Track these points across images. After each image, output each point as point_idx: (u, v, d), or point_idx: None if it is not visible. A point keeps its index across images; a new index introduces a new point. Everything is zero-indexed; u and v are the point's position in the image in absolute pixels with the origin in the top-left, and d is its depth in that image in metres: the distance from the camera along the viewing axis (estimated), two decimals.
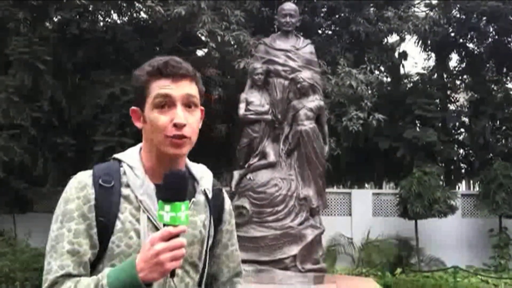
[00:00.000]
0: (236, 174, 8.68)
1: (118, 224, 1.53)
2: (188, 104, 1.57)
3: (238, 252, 1.86)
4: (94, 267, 1.53)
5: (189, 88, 1.58)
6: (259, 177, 8.45)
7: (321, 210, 8.86)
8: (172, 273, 1.42)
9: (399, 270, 13.66)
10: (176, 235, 1.38)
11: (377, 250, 14.55)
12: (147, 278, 1.38)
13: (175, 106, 1.55)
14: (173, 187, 1.42)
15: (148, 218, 1.54)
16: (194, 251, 1.63)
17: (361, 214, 15.97)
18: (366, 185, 21.14)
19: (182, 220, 1.40)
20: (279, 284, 7.78)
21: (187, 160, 1.70)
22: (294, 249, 8.06)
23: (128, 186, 1.58)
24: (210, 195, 1.69)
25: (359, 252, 15.05)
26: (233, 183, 8.66)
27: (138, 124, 1.64)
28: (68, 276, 1.48)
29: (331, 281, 8.60)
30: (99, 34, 13.79)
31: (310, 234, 8.25)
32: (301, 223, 8.30)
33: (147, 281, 1.39)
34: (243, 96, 8.72)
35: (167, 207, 1.39)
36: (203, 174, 1.72)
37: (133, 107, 1.64)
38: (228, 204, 1.81)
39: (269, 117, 8.68)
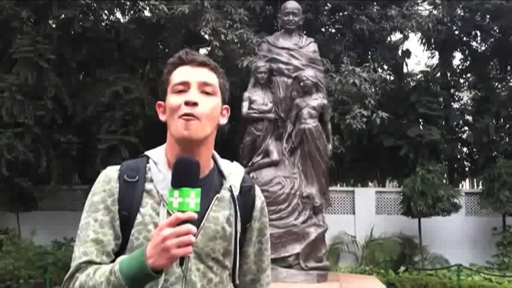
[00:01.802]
0: None
1: (138, 218, 1.57)
2: (204, 90, 1.60)
3: (269, 252, 1.85)
4: (118, 257, 1.55)
5: (206, 76, 1.62)
6: (263, 176, 8.46)
7: (324, 208, 8.86)
8: (181, 262, 1.43)
9: (402, 268, 13.65)
10: (185, 222, 1.37)
11: (381, 248, 14.54)
12: (156, 264, 1.38)
13: (190, 90, 1.59)
14: (180, 172, 1.43)
15: (168, 212, 1.54)
16: (217, 246, 1.62)
17: (365, 212, 15.97)
18: (370, 183, 21.12)
19: (191, 206, 1.39)
20: (283, 282, 7.79)
21: (218, 157, 1.73)
22: (298, 247, 8.07)
23: (151, 181, 1.62)
24: (236, 192, 1.67)
25: (363, 250, 15.05)
26: None
27: (162, 117, 1.68)
28: (90, 263, 1.53)
29: (334, 279, 8.61)
30: (102, 32, 13.82)
31: (313, 232, 8.25)
32: (304, 221, 8.31)
33: (156, 268, 1.39)
34: (246, 94, 8.73)
35: (176, 193, 1.40)
36: (231, 171, 1.72)
37: (159, 102, 1.69)
38: (259, 201, 1.78)
39: (272, 115, 8.68)
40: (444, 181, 15.72)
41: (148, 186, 1.61)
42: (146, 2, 12.40)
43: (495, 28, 16.62)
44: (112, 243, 1.57)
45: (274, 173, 8.50)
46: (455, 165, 18.08)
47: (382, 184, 20.49)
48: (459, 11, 16.74)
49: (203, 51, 14.79)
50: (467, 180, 22.36)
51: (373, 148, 16.32)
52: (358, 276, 11.23)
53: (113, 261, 1.53)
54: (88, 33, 13.28)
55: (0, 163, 12.43)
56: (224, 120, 1.69)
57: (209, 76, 1.63)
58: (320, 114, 8.64)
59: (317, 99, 8.59)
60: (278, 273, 7.85)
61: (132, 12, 15.00)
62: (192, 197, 1.40)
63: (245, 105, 8.63)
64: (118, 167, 1.66)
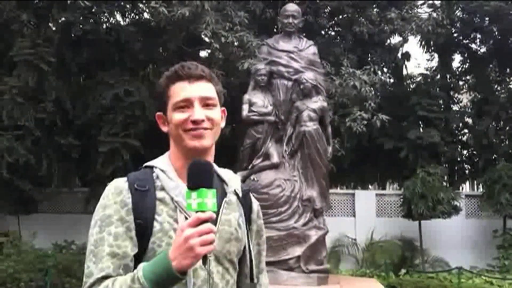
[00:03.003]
0: (240, 175, 8.68)
1: (156, 226, 1.59)
2: (206, 103, 1.65)
3: (265, 253, 1.90)
4: (135, 268, 1.55)
5: (206, 89, 1.67)
6: (263, 178, 8.46)
7: (324, 211, 8.87)
8: (204, 261, 1.45)
9: (403, 271, 13.65)
10: (205, 221, 1.41)
11: (381, 251, 14.54)
12: (180, 265, 1.41)
13: (193, 106, 1.63)
14: (197, 173, 1.46)
15: (186, 218, 1.56)
16: (232, 248, 1.67)
17: (365, 215, 15.97)
18: (370, 186, 21.12)
19: (209, 206, 1.42)
20: (283, 284, 7.78)
21: (215, 166, 1.75)
22: (298, 250, 8.07)
23: (162, 189, 1.64)
24: (240, 194, 1.75)
25: (363, 253, 15.04)
26: None
27: (164, 128, 1.72)
28: (107, 278, 1.52)
29: (335, 282, 8.60)
30: (103, 35, 13.83)
31: (314, 235, 8.25)
32: (305, 224, 8.31)
33: (181, 269, 1.41)
34: (246, 97, 8.74)
35: (194, 194, 1.43)
36: (230, 176, 1.78)
37: (158, 113, 1.72)
38: (256, 205, 1.85)
39: (272, 118, 8.69)
40: (444, 183, 15.72)
41: (159, 194, 1.63)
42: (146, 5, 12.42)
43: (494, 30, 16.64)
44: (129, 254, 1.56)
45: (275, 175, 8.50)
46: (455, 168, 18.09)
47: (383, 187, 20.49)
48: (458, 14, 16.78)
49: (203, 53, 14.83)
50: (467, 183, 22.35)
51: (373, 150, 16.33)
52: (359, 279, 11.22)
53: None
54: (88, 36, 13.30)
55: (0, 166, 12.44)
56: (223, 123, 1.74)
57: (209, 89, 1.68)
58: (320, 116, 8.64)
59: (317, 102, 8.60)
60: (278, 276, 7.85)
61: (132, 14, 15.03)
62: (210, 197, 1.43)
63: (245, 107, 8.64)
64: (125, 178, 1.66)
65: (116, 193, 1.62)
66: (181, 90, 1.65)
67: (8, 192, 13.72)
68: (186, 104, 1.64)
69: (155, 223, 1.59)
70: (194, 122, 1.61)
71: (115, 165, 13.14)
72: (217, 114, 1.68)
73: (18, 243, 14.29)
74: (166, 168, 1.67)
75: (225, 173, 1.78)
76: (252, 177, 8.53)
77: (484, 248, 15.06)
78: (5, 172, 12.45)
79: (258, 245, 1.85)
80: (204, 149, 1.65)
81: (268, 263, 8.43)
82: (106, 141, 12.92)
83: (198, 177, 1.45)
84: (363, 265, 14.73)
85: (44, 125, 13.21)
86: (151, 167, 1.70)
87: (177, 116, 1.64)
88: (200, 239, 1.39)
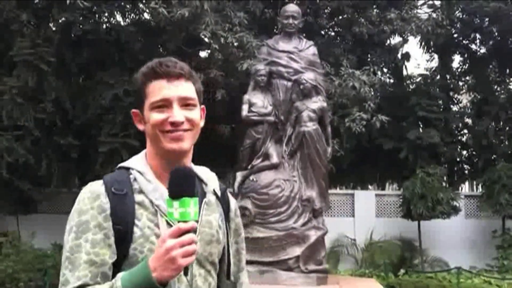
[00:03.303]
0: (239, 175, 8.70)
1: (136, 231, 1.53)
2: (185, 104, 1.59)
3: (244, 251, 1.87)
4: (114, 276, 1.49)
5: (185, 89, 1.59)
6: (262, 178, 8.47)
7: (324, 211, 8.86)
8: (185, 271, 1.41)
9: (402, 271, 13.67)
10: (187, 231, 1.38)
11: (380, 251, 14.55)
12: (161, 277, 1.37)
13: (172, 107, 1.56)
14: (179, 182, 1.42)
15: (167, 222, 1.53)
16: (213, 250, 1.64)
17: (364, 215, 15.97)
18: (369, 186, 21.13)
19: (192, 216, 1.40)
20: (283, 285, 7.79)
21: (192, 164, 1.70)
22: (297, 250, 8.07)
23: (141, 192, 1.57)
24: (219, 194, 1.71)
25: (362, 253, 15.05)
26: (236, 184, 8.67)
27: (140, 126, 1.66)
28: (84, 286, 1.46)
29: (334, 282, 8.61)
30: (102, 35, 13.83)
31: (313, 235, 8.26)
32: (304, 224, 8.31)
33: (162, 280, 1.37)
34: (246, 97, 8.74)
35: (176, 203, 1.40)
36: (208, 176, 1.73)
37: (134, 110, 1.66)
38: (233, 203, 1.82)
39: (272, 118, 8.69)
40: (444, 184, 15.73)
41: (138, 197, 1.56)
42: (146, 5, 12.42)
43: (494, 31, 16.66)
44: (107, 262, 1.49)
45: (274, 176, 8.50)
46: (455, 168, 18.10)
47: (382, 187, 20.51)
48: (458, 14, 16.79)
49: (203, 54, 14.84)
50: (467, 183, 22.39)
51: (373, 151, 16.33)
52: (358, 279, 11.22)
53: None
54: (88, 36, 13.30)
55: (0, 166, 12.44)
56: (203, 122, 1.67)
57: (188, 89, 1.60)
58: (319, 117, 8.65)
59: (317, 102, 8.60)
60: (278, 276, 7.87)
61: (132, 15, 15.03)
62: (192, 206, 1.40)
63: (245, 108, 8.65)
64: (100, 181, 1.59)
65: (93, 197, 1.55)
66: (159, 89, 1.57)
67: (8, 192, 13.73)
68: (165, 104, 1.56)
69: (136, 229, 1.52)
70: (173, 123, 1.55)
71: (114, 165, 13.11)
72: (197, 114, 1.62)
73: (17, 243, 14.30)
74: (143, 170, 1.61)
75: (203, 172, 1.73)
76: (251, 178, 8.54)
77: (483, 248, 15.08)
78: (5, 172, 12.45)
79: (236, 243, 1.82)
80: (183, 152, 1.59)
81: (267, 263, 8.45)
82: (105, 141, 12.92)
83: (181, 185, 1.41)
84: (362, 265, 14.74)
85: (43, 125, 13.21)
86: (128, 168, 1.64)
87: (155, 117, 1.56)
88: (182, 250, 1.35)
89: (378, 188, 20.40)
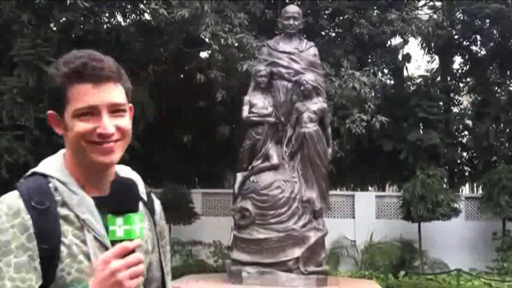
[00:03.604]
0: (240, 176, 8.69)
1: (63, 250, 1.35)
2: (115, 110, 1.39)
3: (169, 255, 1.71)
4: None
5: (114, 94, 1.39)
6: (262, 179, 8.46)
7: (324, 213, 8.86)
8: None
9: (402, 272, 13.63)
10: (132, 251, 1.25)
11: (380, 253, 14.52)
12: None
13: (100, 115, 1.37)
14: (122, 197, 1.28)
15: (95, 237, 1.37)
16: (146, 260, 1.50)
17: (364, 217, 15.95)
18: (369, 187, 21.13)
19: (137, 233, 1.27)
20: (282, 286, 7.79)
21: (116, 167, 1.53)
22: (297, 252, 8.07)
23: (64, 204, 1.38)
24: (145, 199, 1.55)
25: (362, 255, 15.03)
26: (236, 185, 8.67)
27: (59, 130, 1.43)
28: None
29: (334, 284, 8.60)
30: (103, 35, 13.84)
31: (313, 237, 8.25)
32: (304, 226, 8.30)
33: None
34: (246, 98, 8.74)
35: (119, 220, 1.26)
36: (134, 178, 1.52)
37: (49, 111, 1.44)
38: (158, 205, 1.63)
39: (272, 119, 8.69)
40: (444, 185, 15.71)
41: (62, 211, 1.37)
42: (147, 6, 12.42)
43: (494, 32, 16.66)
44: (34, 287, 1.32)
45: (274, 177, 8.49)
46: (455, 170, 18.09)
47: (382, 188, 20.50)
48: (459, 16, 16.80)
49: (203, 54, 14.83)
50: (467, 185, 22.37)
51: (373, 152, 16.32)
52: (358, 281, 11.21)
53: None
54: (89, 36, 13.31)
55: (0, 166, 12.43)
56: (130, 123, 1.49)
57: (118, 93, 1.40)
58: (320, 118, 8.64)
59: (317, 103, 8.59)
60: (277, 277, 7.86)
61: (133, 15, 15.03)
62: (137, 222, 1.28)
63: (245, 109, 8.64)
64: (17, 193, 1.38)
65: (12, 214, 1.34)
66: (84, 95, 1.36)
67: (7, 193, 13.71)
68: (91, 111, 1.36)
69: (62, 247, 1.35)
70: (102, 135, 1.36)
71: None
72: (128, 122, 1.43)
73: None
74: (66, 180, 1.40)
75: (128, 174, 1.54)
76: (251, 178, 8.53)
77: (483, 250, 15.05)
78: (5, 172, 12.45)
79: (161, 246, 1.64)
80: (113, 165, 1.43)
81: (267, 265, 8.43)
82: None
83: (124, 201, 1.27)
84: (362, 267, 14.71)
85: (44, 125, 13.20)
86: (45, 175, 1.42)
87: (81, 126, 1.36)
88: (129, 272, 1.23)
89: (378, 190, 20.39)
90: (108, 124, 1.36)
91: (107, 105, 1.37)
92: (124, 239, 1.26)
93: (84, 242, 1.37)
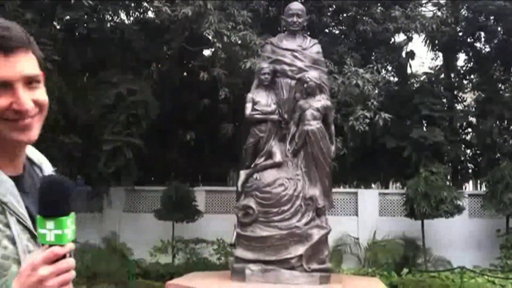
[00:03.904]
0: (243, 173, 8.70)
1: None
2: (30, 82, 1.29)
3: None
4: None
5: (27, 64, 1.27)
6: (266, 177, 8.46)
7: (327, 210, 8.85)
8: None
9: (405, 270, 13.64)
10: (63, 256, 1.15)
11: (384, 250, 14.53)
12: None
13: (14, 89, 1.25)
14: (54, 199, 1.16)
15: (17, 220, 1.26)
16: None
17: (368, 214, 15.95)
18: (373, 185, 21.11)
19: (69, 237, 1.16)
20: (285, 283, 7.79)
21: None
22: (300, 249, 8.06)
23: None
24: None
25: (365, 252, 15.04)
26: (240, 182, 8.68)
27: None
28: None
29: (337, 281, 8.60)
30: (107, 34, 13.86)
31: (316, 234, 8.24)
32: (307, 223, 8.30)
33: None
34: (249, 96, 8.73)
35: (50, 223, 1.15)
36: (40, 158, 1.44)
37: None
38: None
39: (275, 117, 8.68)
40: (448, 183, 15.70)
41: None
42: (150, 4, 12.44)
43: (499, 29, 16.61)
44: None
45: (277, 174, 8.49)
46: (459, 167, 18.06)
47: (385, 186, 20.48)
48: (463, 13, 16.74)
49: (206, 52, 14.84)
50: (471, 182, 22.34)
51: (376, 149, 16.31)
52: (361, 278, 11.21)
53: None
54: (92, 35, 13.33)
55: None
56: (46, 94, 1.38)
57: (31, 63, 1.29)
58: (323, 115, 8.63)
59: (321, 101, 8.58)
60: (280, 274, 7.86)
61: (136, 13, 15.05)
62: (69, 225, 1.17)
63: (248, 106, 8.64)
64: None
65: None
66: None
67: None
68: (3, 85, 1.24)
69: None
70: (19, 112, 1.25)
71: (117, 164, 13.17)
72: (44, 93, 1.31)
73: None
74: None
75: (34, 154, 1.44)
76: (254, 176, 8.54)
77: (487, 247, 15.03)
78: None
79: None
80: (31, 142, 1.32)
81: (270, 262, 8.43)
82: (109, 139, 12.96)
83: (56, 203, 1.15)
84: (365, 264, 14.73)
85: (47, 123, 13.23)
86: None
87: None
88: (58, 279, 1.13)
89: (381, 187, 20.38)
90: (25, 98, 1.25)
91: (22, 78, 1.25)
92: (54, 244, 1.15)
93: (7, 225, 1.24)
